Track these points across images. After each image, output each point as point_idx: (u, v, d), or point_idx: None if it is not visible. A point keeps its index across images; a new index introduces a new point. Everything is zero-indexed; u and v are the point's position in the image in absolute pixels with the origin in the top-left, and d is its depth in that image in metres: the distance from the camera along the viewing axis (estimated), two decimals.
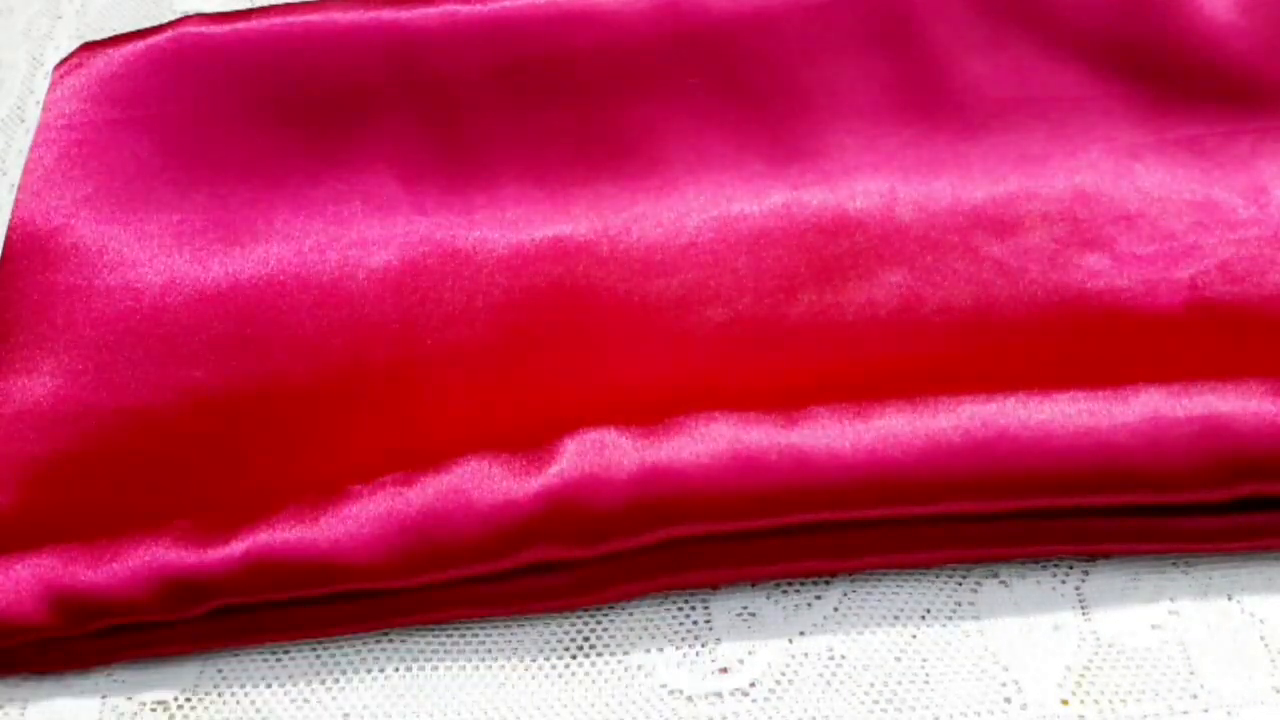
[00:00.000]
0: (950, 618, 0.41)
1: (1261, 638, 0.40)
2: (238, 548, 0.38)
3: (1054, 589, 0.41)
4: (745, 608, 0.41)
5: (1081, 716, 0.38)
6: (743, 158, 0.49)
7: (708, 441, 0.38)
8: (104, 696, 0.41)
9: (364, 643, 0.41)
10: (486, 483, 0.38)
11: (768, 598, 0.41)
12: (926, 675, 0.39)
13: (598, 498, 0.38)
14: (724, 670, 0.40)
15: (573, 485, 0.38)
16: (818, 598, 0.41)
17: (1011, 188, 0.48)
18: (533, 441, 0.39)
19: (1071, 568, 0.41)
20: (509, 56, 0.49)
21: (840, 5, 0.51)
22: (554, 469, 0.38)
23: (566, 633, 0.40)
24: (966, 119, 0.49)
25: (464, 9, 0.49)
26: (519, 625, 0.40)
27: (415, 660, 0.40)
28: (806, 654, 0.40)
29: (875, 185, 0.48)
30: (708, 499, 0.38)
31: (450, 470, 0.38)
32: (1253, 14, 0.48)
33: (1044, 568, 0.41)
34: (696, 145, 0.49)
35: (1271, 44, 0.48)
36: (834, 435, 0.39)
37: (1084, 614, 0.41)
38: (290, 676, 0.41)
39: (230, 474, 0.43)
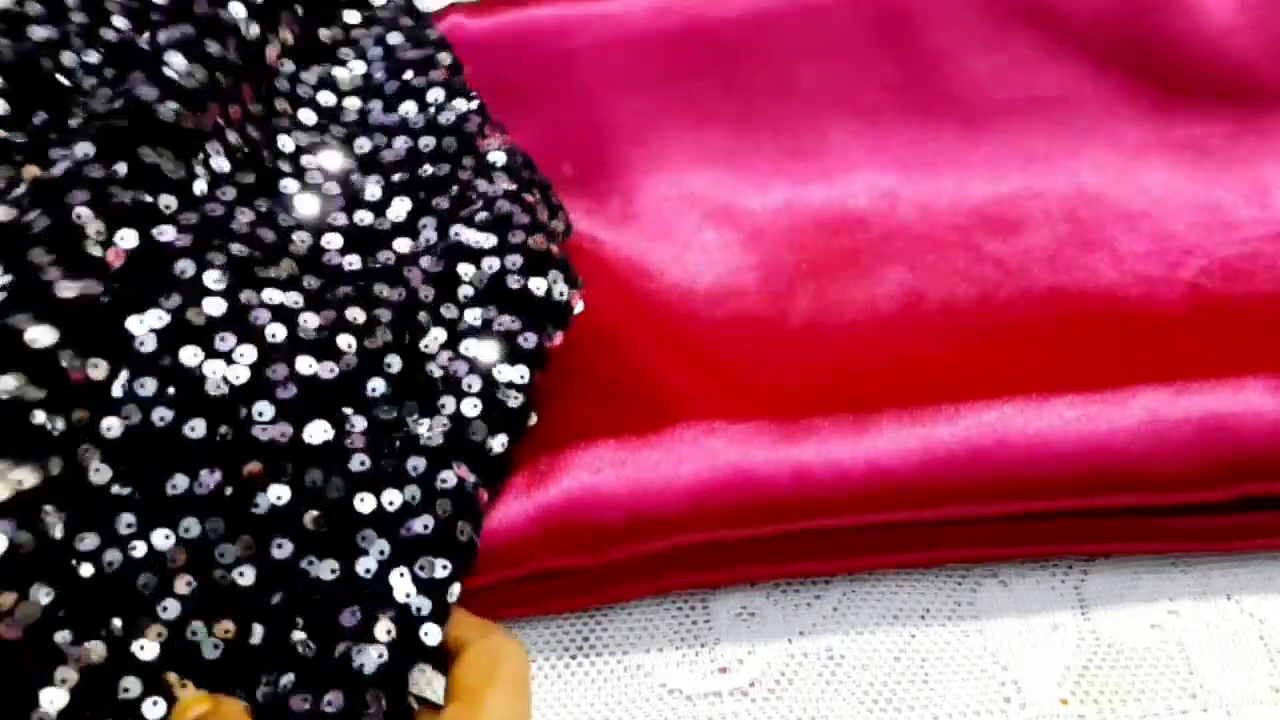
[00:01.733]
0: (950, 618, 0.41)
1: (1261, 637, 0.40)
2: None
3: (1053, 589, 0.41)
4: (745, 608, 0.41)
5: (1081, 716, 0.39)
6: (744, 154, 0.49)
7: (707, 456, 0.39)
8: None
9: None
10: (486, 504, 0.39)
11: (767, 598, 0.41)
12: (926, 675, 0.40)
13: (597, 513, 0.38)
14: (723, 670, 0.40)
15: (572, 503, 0.39)
16: (817, 598, 0.41)
17: (1013, 187, 0.48)
18: (533, 450, 0.40)
19: (1071, 568, 0.42)
20: (512, 61, 0.50)
21: (843, 5, 0.51)
22: (554, 487, 0.39)
23: (566, 633, 0.41)
24: (969, 118, 0.49)
25: (469, 22, 0.50)
26: (519, 625, 0.40)
27: None
28: (806, 654, 0.40)
29: (877, 183, 0.48)
30: (708, 513, 0.38)
31: None
32: (1255, 14, 0.48)
33: (1043, 568, 0.42)
34: (698, 141, 0.49)
35: (1273, 45, 0.48)
36: (834, 447, 0.39)
37: (1083, 614, 0.41)
38: None
39: None
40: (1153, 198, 0.47)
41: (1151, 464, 0.39)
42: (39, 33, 0.45)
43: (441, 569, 0.37)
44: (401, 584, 0.36)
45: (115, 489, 0.36)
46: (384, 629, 0.35)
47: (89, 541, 0.36)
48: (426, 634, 0.36)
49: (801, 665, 0.40)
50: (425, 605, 0.36)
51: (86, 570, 0.35)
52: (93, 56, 0.44)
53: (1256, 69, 0.48)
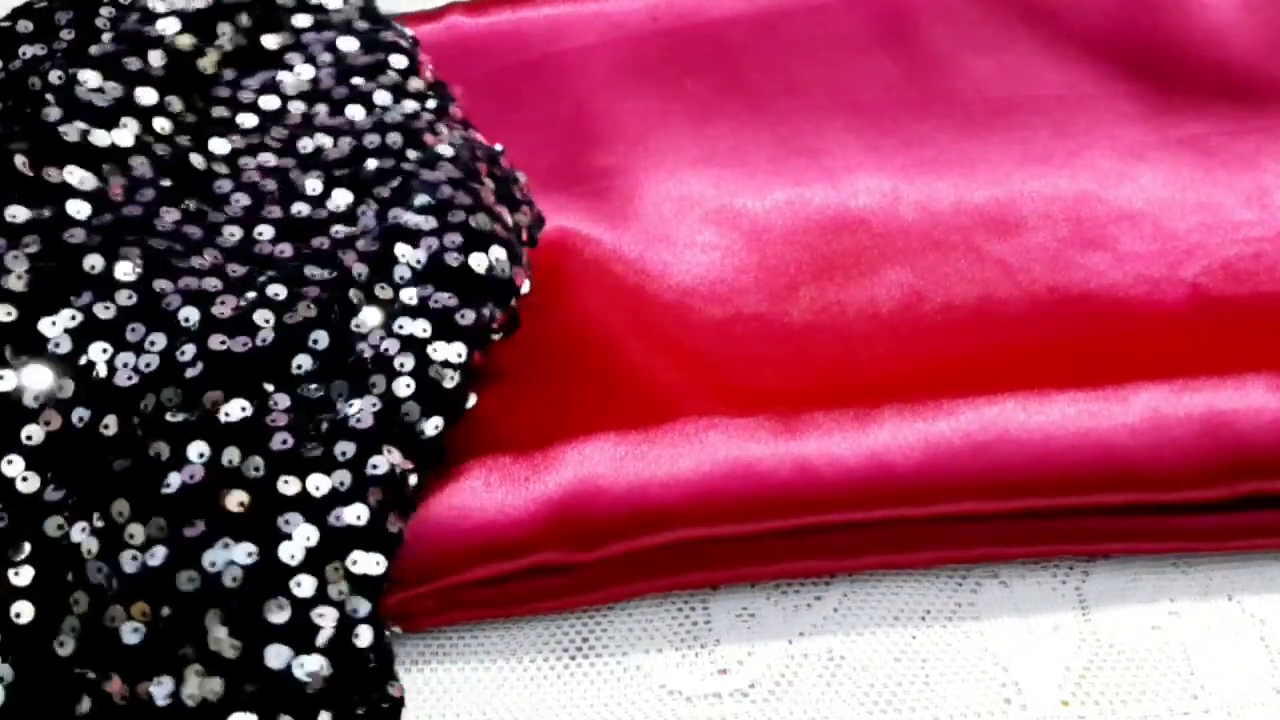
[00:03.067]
0: (950, 618, 0.41)
1: (1261, 638, 0.40)
2: None
3: (1054, 589, 0.41)
4: (745, 608, 0.41)
5: (1081, 717, 0.38)
6: (744, 154, 0.49)
7: (707, 450, 0.39)
8: None
9: None
10: (485, 493, 0.39)
11: (767, 598, 0.41)
12: (926, 676, 0.39)
13: (595, 507, 0.38)
14: (723, 671, 0.40)
15: (571, 497, 0.38)
16: (817, 598, 0.41)
17: (1014, 187, 0.47)
18: (531, 444, 0.39)
19: (1071, 568, 0.41)
20: (510, 59, 0.50)
21: (843, 4, 0.51)
22: (552, 480, 0.39)
23: (565, 634, 0.40)
24: (969, 117, 0.49)
25: (467, 20, 0.51)
26: (518, 626, 0.40)
27: (414, 662, 0.40)
28: (806, 655, 0.40)
29: (878, 183, 0.48)
30: (707, 506, 0.38)
31: (450, 479, 0.39)
32: (1257, 13, 0.48)
33: (1044, 568, 0.41)
34: (697, 141, 0.49)
35: (1275, 43, 0.48)
36: (835, 441, 0.39)
37: (1084, 614, 0.41)
38: None
39: None
40: (1154, 197, 0.47)
41: (1153, 461, 0.39)
42: (28, 51, 0.45)
43: (375, 565, 0.35)
44: (336, 580, 0.35)
45: (47, 495, 0.36)
46: (324, 635, 0.34)
47: (25, 550, 0.36)
48: (358, 636, 0.34)
49: (802, 666, 0.40)
50: (362, 606, 0.35)
51: (25, 578, 0.35)
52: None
53: (1257, 69, 0.48)
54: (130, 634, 0.34)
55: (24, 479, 0.36)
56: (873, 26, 0.51)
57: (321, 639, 0.34)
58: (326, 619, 0.34)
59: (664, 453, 0.39)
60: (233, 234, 0.41)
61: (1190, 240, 0.46)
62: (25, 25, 0.46)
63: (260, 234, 0.41)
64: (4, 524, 0.36)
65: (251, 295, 0.38)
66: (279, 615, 0.34)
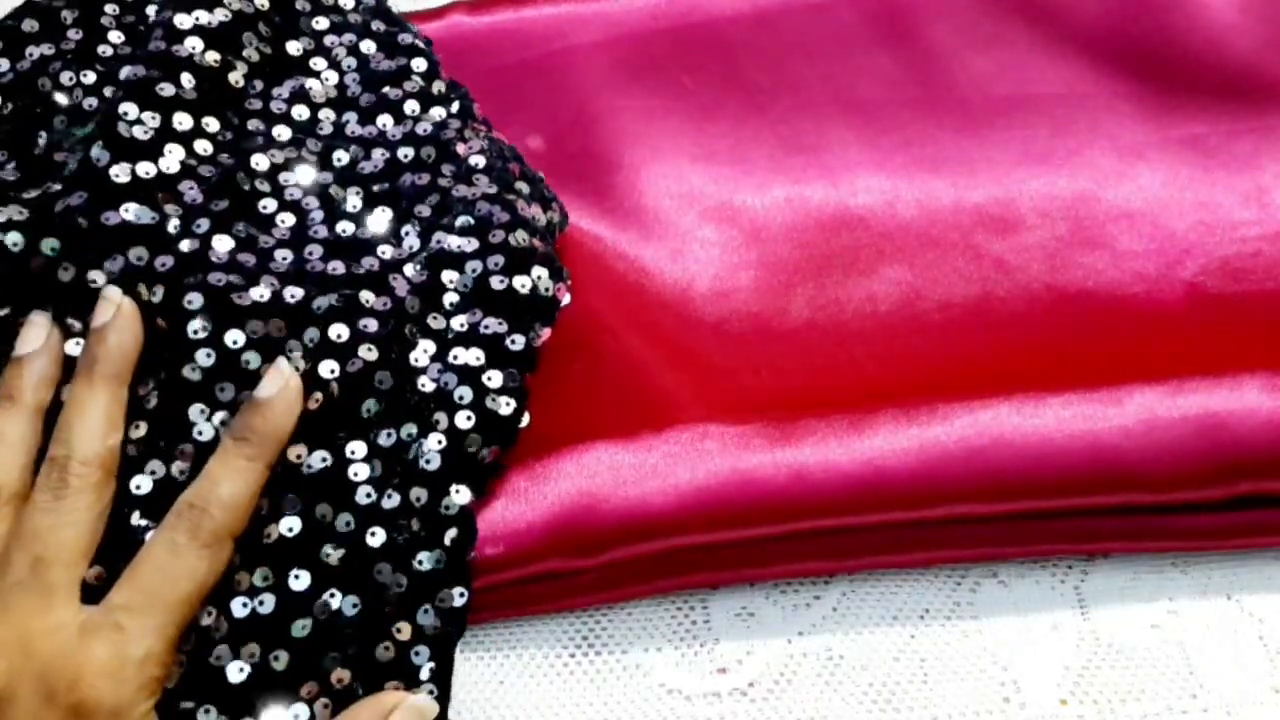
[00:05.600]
0: (949, 617, 0.41)
1: (1260, 637, 0.40)
2: None
3: (1053, 589, 0.41)
4: (744, 608, 0.41)
5: (1080, 716, 0.39)
6: (744, 152, 0.49)
7: (704, 459, 0.39)
8: None
9: None
10: (486, 505, 0.39)
11: (766, 598, 0.41)
12: (925, 675, 0.39)
13: (594, 517, 0.39)
14: (722, 670, 0.40)
15: (571, 509, 0.39)
16: (816, 598, 0.41)
17: (1013, 185, 0.47)
18: (530, 451, 0.40)
19: (1070, 567, 0.41)
20: (511, 58, 0.50)
21: (843, 1, 0.51)
22: (551, 491, 0.39)
23: (565, 632, 0.40)
24: (969, 116, 0.49)
25: (469, 19, 0.51)
26: (518, 623, 0.40)
27: None
28: (805, 654, 0.40)
29: (877, 182, 0.48)
30: (705, 515, 0.39)
31: None
32: (1255, 13, 0.48)
33: (1043, 567, 0.42)
34: (697, 139, 0.49)
35: (1274, 43, 0.48)
36: (830, 448, 0.39)
37: (1083, 614, 0.41)
38: None
39: None
40: (1152, 197, 0.47)
41: (1148, 463, 0.39)
42: (35, 51, 0.45)
43: (459, 597, 0.38)
44: (428, 619, 0.37)
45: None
46: (427, 668, 0.37)
47: None
48: (455, 659, 0.38)
49: (801, 665, 0.40)
50: (452, 636, 0.38)
51: None
52: (90, 76, 0.44)
53: (1257, 68, 0.48)
54: (236, 673, 0.36)
55: (136, 524, 0.38)
56: (873, 25, 0.51)
57: (425, 672, 0.37)
58: (422, 656, 0.37)
59: (661, 462, 0.39)
60: (285, 257, 0.41)
61: (1188, 239, 0.46)
62: (31, 24, 0.46)
63: (310, 253, 0.42)
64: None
65: (315, 335, 0.39)
66: (386, 655, 0.37)
